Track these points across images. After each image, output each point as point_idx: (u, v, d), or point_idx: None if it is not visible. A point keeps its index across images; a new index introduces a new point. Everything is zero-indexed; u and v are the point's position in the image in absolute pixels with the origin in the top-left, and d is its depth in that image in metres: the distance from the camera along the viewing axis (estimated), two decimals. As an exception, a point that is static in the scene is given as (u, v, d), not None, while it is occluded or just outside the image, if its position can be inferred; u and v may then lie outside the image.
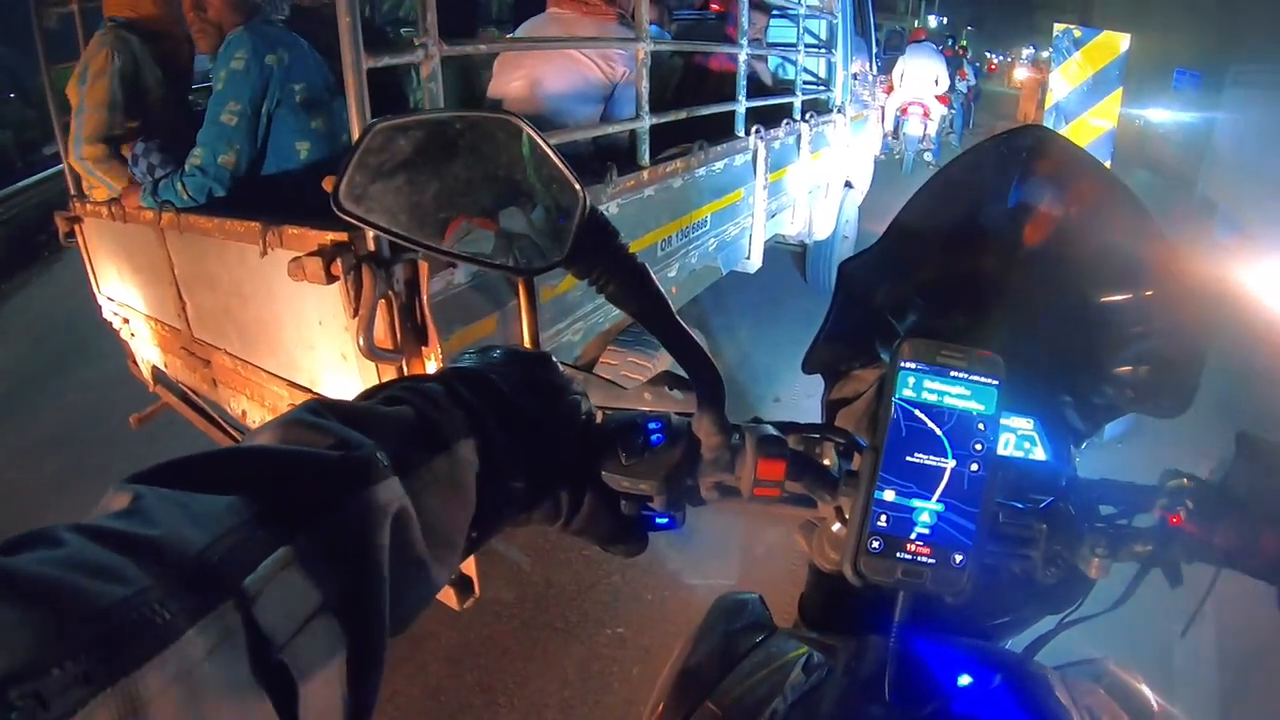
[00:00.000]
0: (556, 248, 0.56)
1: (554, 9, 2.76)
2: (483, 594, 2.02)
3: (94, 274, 3.06)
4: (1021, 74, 27.85)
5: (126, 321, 3.02)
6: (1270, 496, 0.59)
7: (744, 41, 3.21)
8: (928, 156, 10.34)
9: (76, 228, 2.94)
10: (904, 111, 9.87)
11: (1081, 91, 4.83)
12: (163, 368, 2.96)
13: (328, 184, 1.82)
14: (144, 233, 2.49)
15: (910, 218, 0.87)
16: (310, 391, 2.11)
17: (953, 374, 0.59)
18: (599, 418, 0.63)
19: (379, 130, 0.56)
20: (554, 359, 0.62)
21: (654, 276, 0.57)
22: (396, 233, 0.56)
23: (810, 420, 0.69)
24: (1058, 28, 4.95)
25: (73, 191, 2.93)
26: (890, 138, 9.74)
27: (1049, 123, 4.73)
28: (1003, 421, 0.66)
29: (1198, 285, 0.75)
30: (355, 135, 1.60)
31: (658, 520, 0.61)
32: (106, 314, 3.12)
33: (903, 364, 0.59)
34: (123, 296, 2.95)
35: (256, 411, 2.41)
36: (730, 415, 0.61)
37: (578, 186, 0.55)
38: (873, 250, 0.87)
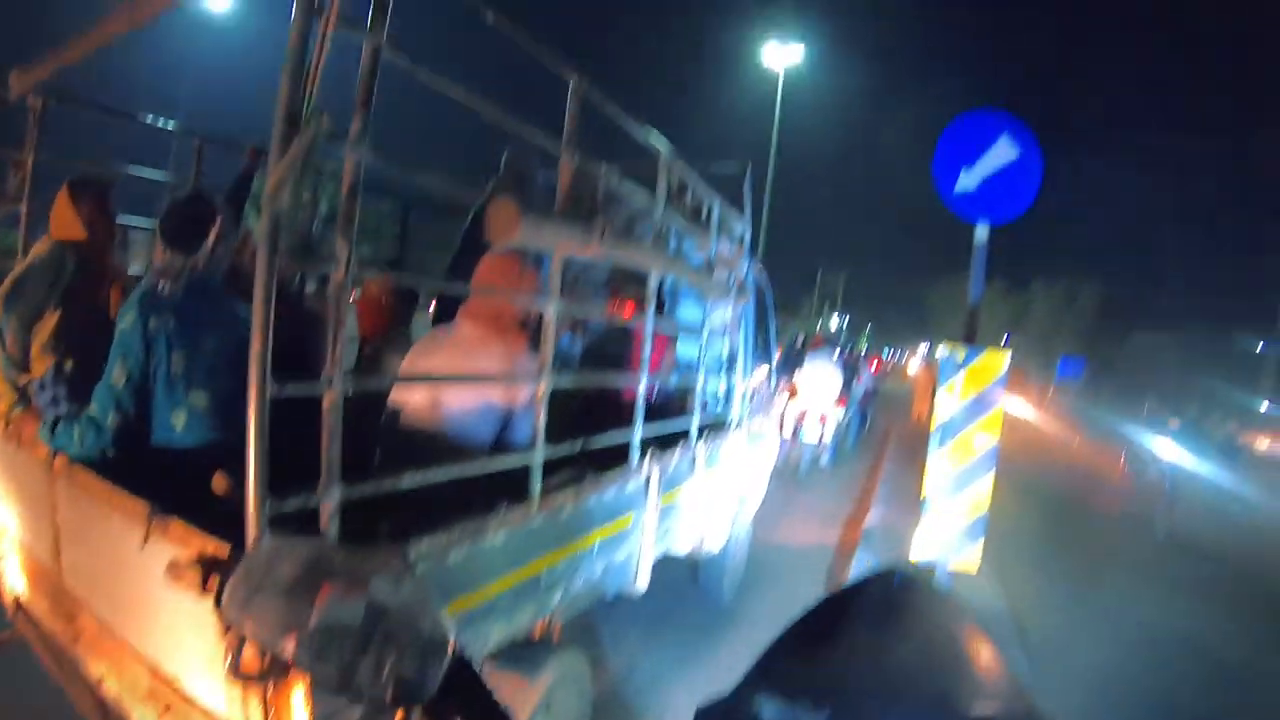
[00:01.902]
0: (418, 686, 0.60)
1: (466, 322, 2.81)
2: None
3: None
4: (914, 370, 29.90)
5: None
6: None
7: (644, 371, 3.31)
8: (824, 462, 10.69)
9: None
10: (801, 418, 10.28)
11: (965, 409, 5.05)
12: (25, 601, 2.71)
13: (218, 482, 1.75)
14: (34, 464, 2.38)
15: (782, 646, 0.86)
16: (173, 686, 1.96)
17: None
18: None
19: (264, 549, 0.65)
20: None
21: None
22: (278, 652, 0.61)
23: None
24: (944, 347, 5.27)
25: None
26: (788, 443, 10.08)
27: (935, 441, 4.90)
28: None
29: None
30: (252, 452, 1.62)
31: None
32: None
33: None
34: (1, 514, 2.75)
35: (114, 683, 2.19)
36: None
37: (447, 631, 0.63)
38: (733, 696, 0.82)
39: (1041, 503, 10.55)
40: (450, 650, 0.60)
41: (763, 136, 24.01)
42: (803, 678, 0.82)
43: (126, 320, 2.20)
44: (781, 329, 7.57)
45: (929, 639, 0.82)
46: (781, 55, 24.68)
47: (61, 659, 2.62)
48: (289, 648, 0.62)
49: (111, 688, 2.24)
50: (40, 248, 2.76)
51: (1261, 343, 42.07)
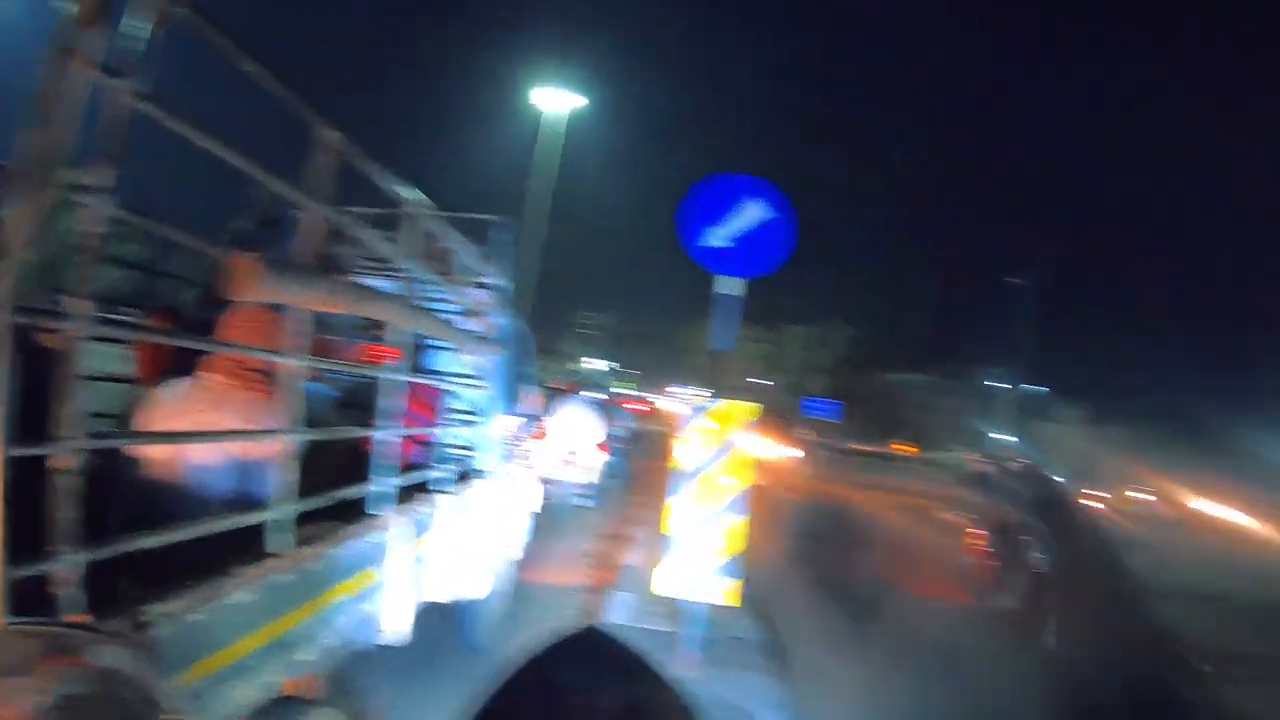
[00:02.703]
0: None
1: (204, 374, 2.75)
2: None
3: None
4: (669, 409, 30.91)
5: None
6: None
7: (389, 424, 3.38)
8: (590, 504, 10.96)
9: None
10: (562, 462, 10.50)
11: (709, 455, 5.38)
12: None
13: None
14: None
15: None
16: None
17: None
18: None
19: None
20: None
21: None
22: None
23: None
24: (680, 400, 5.63)
25: None
26: (550, 485, 10.27)
27: (676, 484, 5.25)
28: None
29: None
30: None
31: None
32: None
33: None
34: None
35: None
36: None
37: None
38: None
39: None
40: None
41: (539, 180, 24.46)
42: None
43: None
44: (544, 373, 7.74)
45: (627, 694, 0.87)
46: (557, 101, 25.22)
47: None
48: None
49: None
50: None
51: (995, 382, 47.70)
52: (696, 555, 5.21)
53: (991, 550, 9.33)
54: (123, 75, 1.72)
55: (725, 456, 5.32)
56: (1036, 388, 51.30)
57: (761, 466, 17.03)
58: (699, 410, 5.36)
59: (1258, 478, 29.51)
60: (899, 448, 48.34)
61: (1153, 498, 31.08)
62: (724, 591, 5.22)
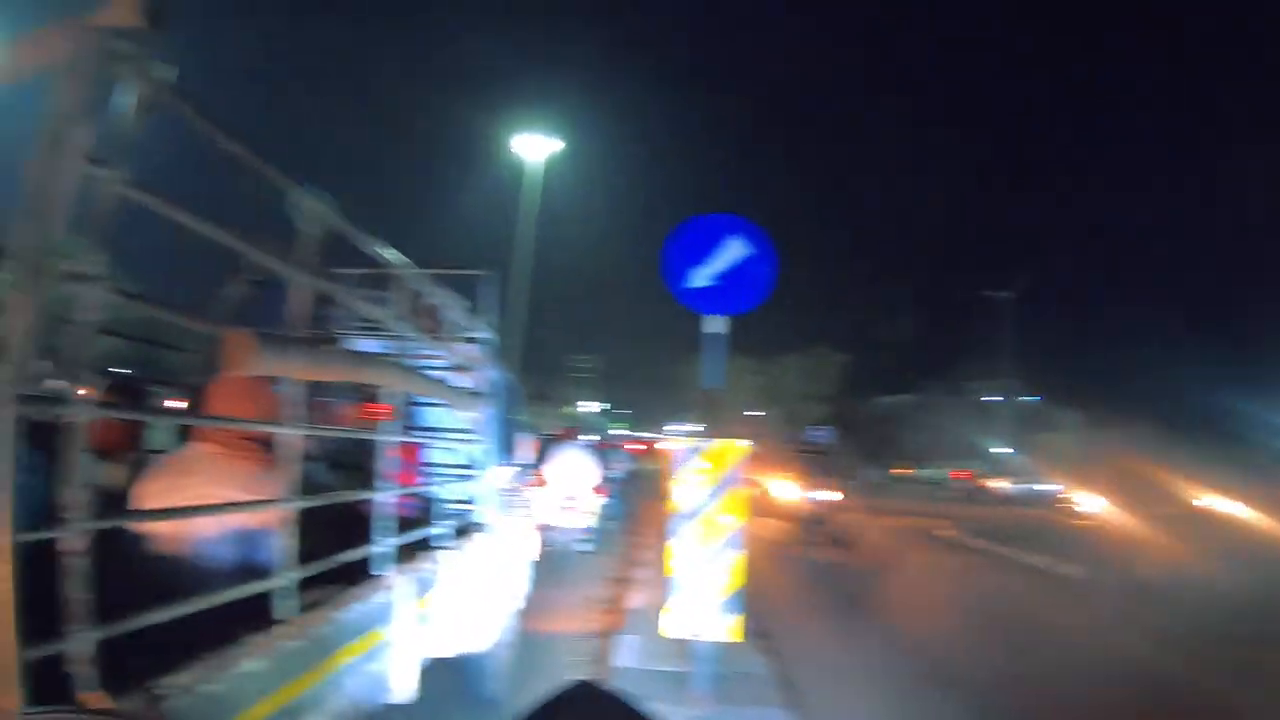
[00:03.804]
0: None
1: (199, 444, 2.80)
2: None
3: None
4: (664, 447, 30.47)
5: None
6: None
7: (387, 484, 3.42)
8: (589, 547, 10.93)
9: None
10: (559, 508, 10.49)
11: (708, 492, 5.41)
12: None
13: None
14: None
15: None
16: None
17: None
18: None
19: None
20: None
21: None
22: None
23: None
24: (674, 442, 5.65)
25: None
26: (550, 532, 10.26)
27: (675, 524, 5.28)
28: None
29: None
30: None
31: None
32: None
33: None
34: None
35: None
36: None
37: None
38: None
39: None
40: None
41: (524, 227, 24.60)
42: None
43: None
44: (536, 420, 7.76)
45: None
46: (538, 148, 25.42)
47: None
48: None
49: None
50: None
51: (988, 396, 47.93)
52: (700, 594, 5.23)
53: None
54: (110, 166, 1.78)
55: (722, 495, 5.35)
56: (1029, 398, 51.53)
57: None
58: (693, 451, 5.39)
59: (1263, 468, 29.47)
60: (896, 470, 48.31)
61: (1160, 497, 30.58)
62: (728, 628, 5.23)
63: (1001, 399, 47.80)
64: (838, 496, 17.62)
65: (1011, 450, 43.47)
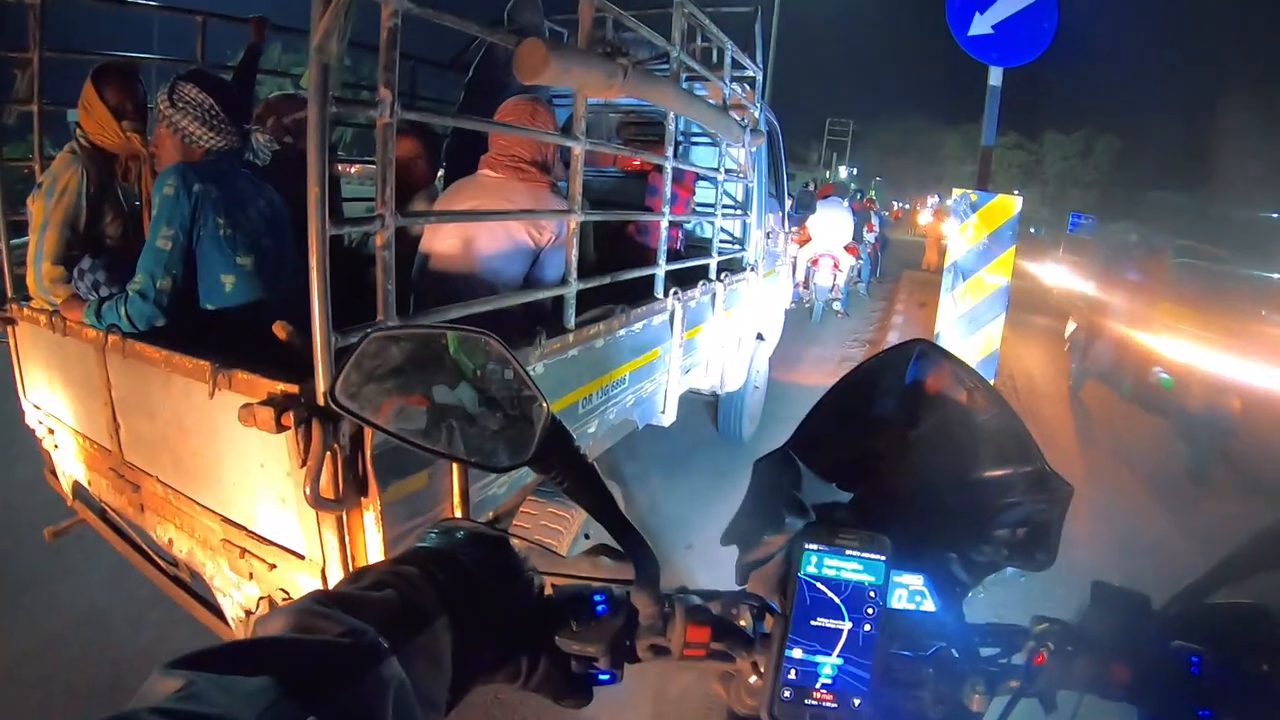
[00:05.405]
0: (522, 449, 0.65)
1: (486, 171, 2.87)
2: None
3: (21, 379, 2.99)
4: (925, 220, 28.93)
5: (51, 432, 2.94)
6: (1117, 634, 0.73)
7: (666, 210, 3.38)
8: (836, 306, 10.80)
9: (10, 329, 2.88)
10: (814, 263, 10.33)
11: (978, 251, 5.10)
12: (85, 484, 2.87)
13: (279, 329, 1.87)
14: (82, 349, 2.48)
15: (815, 417, 0.97)
16: (246, 531, 2.11)
17: (847, 552, 0.72)
18: (549, 589, 0.74)
19: (375, 338, 0.66)
20: (509, 538, 0.73)
21: (600, 476, 0.70)
22: (389, 430, 0.66)
23: (727, 580, 0.84)
24: (956, 192, 5.27)
25: (10, 294, 2.87)
26: (801, 288, 10.15)
27: (948, 280, 5.00)
28: (896, 579, 0.76)
29: (1054, 465, 0.87)
30: (315, 290, 1.72)
31: (601, 677, 0.72)
32: (30, 421, 3.03)
33: (806, 546, 0.72)
34: (51, 406, 2.89)
35: (184, 541, 2.37)
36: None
37: (543, 401, 0.65)
38: (781, 449, 0.96)
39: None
40: (547, 411, 0.65)
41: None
42: (834, 447, 0.96)
43: (169, 186, 2.20)
44: (791, 177, 7.49)
45: (946, 407, 0.92)
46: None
47: (123, 532, 2.82)
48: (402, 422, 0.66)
49: (182, 546, 2.38)
50: (65, 156, 2.71)
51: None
52: (961, 354, 5.01)
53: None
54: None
55: (995, 255, 5.03)
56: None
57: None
58: (969, 206, 5.04)
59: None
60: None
61: None
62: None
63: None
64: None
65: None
